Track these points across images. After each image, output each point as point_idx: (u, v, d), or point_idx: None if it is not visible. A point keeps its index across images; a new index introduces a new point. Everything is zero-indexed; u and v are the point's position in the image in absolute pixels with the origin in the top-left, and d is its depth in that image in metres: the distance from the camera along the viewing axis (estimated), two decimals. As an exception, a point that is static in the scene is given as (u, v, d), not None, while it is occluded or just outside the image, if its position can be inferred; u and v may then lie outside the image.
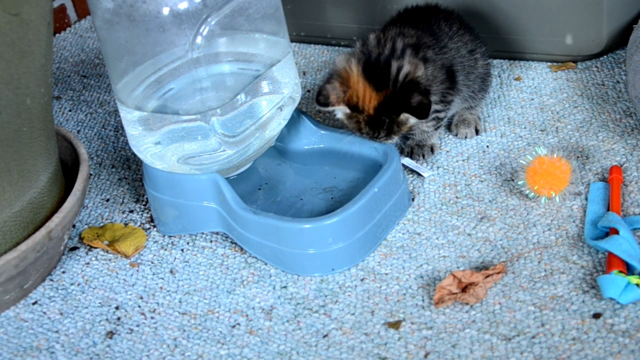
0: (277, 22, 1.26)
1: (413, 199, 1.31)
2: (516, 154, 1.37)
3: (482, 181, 1.33)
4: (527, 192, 1.26)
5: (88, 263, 1.27)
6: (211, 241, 1.28)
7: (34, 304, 1.21)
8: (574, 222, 1.22)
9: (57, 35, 1.96)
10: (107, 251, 1.29)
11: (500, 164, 1.36)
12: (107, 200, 1.40)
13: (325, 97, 1.26)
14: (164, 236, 1.31)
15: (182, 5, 1.13)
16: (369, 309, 1.13)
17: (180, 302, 1.18)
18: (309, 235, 1.17)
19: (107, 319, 1.17)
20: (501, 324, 1.08)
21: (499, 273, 1.14)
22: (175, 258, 1.26)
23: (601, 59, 1.57)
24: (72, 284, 1.24)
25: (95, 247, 1.30)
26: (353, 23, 1.69)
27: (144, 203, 1.38)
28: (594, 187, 1.26)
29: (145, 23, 1.15)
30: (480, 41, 1.42)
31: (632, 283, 1.06)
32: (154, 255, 1.27)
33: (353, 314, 1.13)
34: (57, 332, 1.16)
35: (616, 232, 1.13)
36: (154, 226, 1.33)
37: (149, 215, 1.35)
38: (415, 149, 1.38)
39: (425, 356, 1.05)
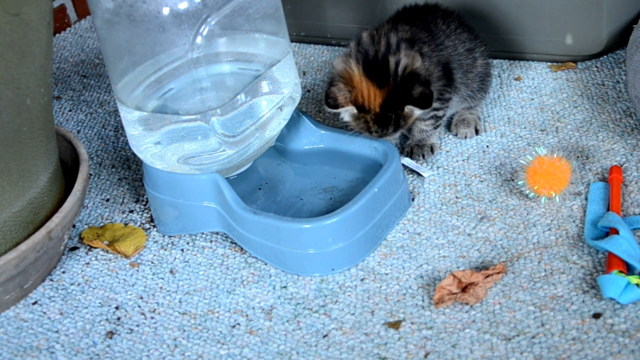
0: (277, 22, 1.26)
1: (413, 199, 1.31)
2: (516, 154, 1.37)
3: (482, 181, 1.33)
4: (527, 192, 1.26)
5: (88, 263, 1.27)
6: (211, 241, 1.28)
7: (34, 304, 1.21)
8: (574, 222, 1.22)
9: (57, 35, 1.96)
10: (107, 251, 1.29)
11: (500, 164, 1.36)
12: (107, 200, 1.40)
13: (334, 99, 1.26)
14: (164, 236, 1.31)
15: (182, 5, 1.13)
16: (369, 309, 1.13)
17: (180, 302, 1.18)
18: (309, 235, 1.17)
19: (107, 319, 1.17)
20: (501, 324, 1.08)
21: (499, 273, 1.14)
22: (175, 258, 1.26)
23: (601, 59, 1.57)
24: (72, 284, 1.24)
25: (95, 247, 1.30)
26: (353, 23, 1.69)
27: (144, 203, 1.38)
28: (594, 187, 1.26)
29: (145, 23, 1.15)
30: (479, 41, 1.42)
31: (632, 283, 1.06)
32: (154, 255, 1.27)
33: (353, 314, 1.13)
34: (57, 332, 1.16)
35: (616, 232, 1.13)
36: (154, 226, 1.33)
37: (149, 215, 1.35)
38: (415, 149, 1.38)
39: (425, 356, 1.05)
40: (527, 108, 1.47)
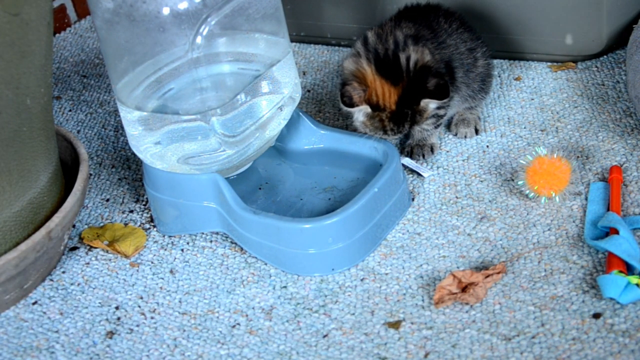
0: (277, 22, 1.26)
1: (413, 199, 1.31)
2: (516, 154, 1.37)
3: (482, 181, 1.33)
4: (527, 192, 1.26)
5: (88, 263, 1.27)
6: (211, 241, 1.28)
7: (34, 304, 1.21)
8: (574, 222, 1.22)
9: (57, 35, 1.96)
10: (107, 251, 1.29)
11: (500, 164, 1.36)
12: (107, 200, 1.40)
13: (350, 98, 1.26)
14: (164, 236, 1.31)
15: (182, 5, 1.13)
16: (369, 309, 1.13)
17: (180, 302, 1.18)
18: (309, 235, 1.17)
19: (107, 319, 1.17)
20: (501, 324, 1.08)
21: (499, 273, 1.14)
22: (175, 258, 1.26)
23: (601, 59, 1.57)
24: (72, 284, 1.24)
25: (95, 247, 1.30)
26: (353, 23, 1.69)
27: (144, 203, 1.38)
28: (594, 187, 1.26)
29: (145, 23, 1.15)
30: (481, 41, 1.42)
31: (632, 283, 1.06)
32: (154, 255, 1.27)
33: (353, 314, 1.13)
34: (57, 332, 1.16)
35: (616, 232, 1.13)
36: (154, 226, 1.33)
37: (149, 215, 1.35)
38: (415, 148, 1.38)
39: (425, 356, 1.05)
40: (527, 108, 1.47)
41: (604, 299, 1.08)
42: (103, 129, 1.59)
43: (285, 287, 1.19)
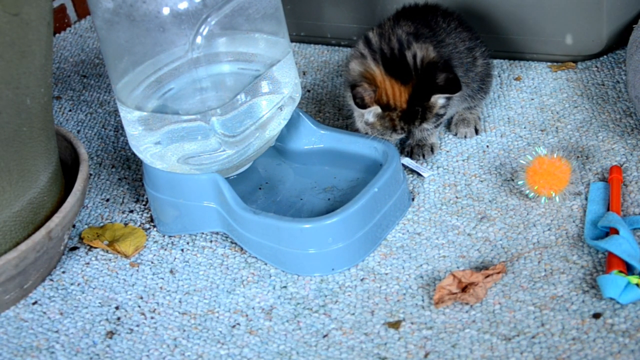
0: (277, 22, 1.26)
1: (413, 199, 1.31)
2: (516, 154, 1.37)
3: (482, 181, 1.33)
4: (527, 192, 1.26)
5: (88, 263, 1.27)
6: (211, 241, 1.28)
7: (34, 304, 1.21)
8: (574, 222, 1.22)
9: (57, 35, 1.96)
10: (107, 251, 1.29)
11: (500, 164, 1.36)
12: (107, 200, 1.40)
13: (362, 99, 1.26)
14: (164, 236, 1.31)
15: (182, 5, 1.13)
16: (369, 309, 1.13)
17: (180, 302, 1.18)
18: (309, 235, 1.17)
19: (107, 319, 1.17)
20: (501, 324, 1.08)
21: (499, 273, 1.14)
22: (175, 258, 1.26)
23: (601, 59, 1.57)
24: (72, 284, 1.24)
25: (95, 247, 1.30)
26: (353, 23, 1.69)
27: (144, 203, 1.38)
28: (594, 187, 1.26)
29: (145, 23, 1.15)
30: (480, 41, 1.42)
31: (632, 283, 1.06)
32: (154, 255, 1.27)
33: (353, 314, 1.13)
34: (57, 332, 1.16)
35: (616, 232, 1.13)
36: (154, 226, 1.33)
37: (149, 215, 1.35)
38: (415, 148, 1.38)
39: (425, 356, 1.05)
40: (527, 108, 1.47)
41: (604, 299, 1.08)
42: (103, 129, 1.59)
43: (285, 287, 1.19)
